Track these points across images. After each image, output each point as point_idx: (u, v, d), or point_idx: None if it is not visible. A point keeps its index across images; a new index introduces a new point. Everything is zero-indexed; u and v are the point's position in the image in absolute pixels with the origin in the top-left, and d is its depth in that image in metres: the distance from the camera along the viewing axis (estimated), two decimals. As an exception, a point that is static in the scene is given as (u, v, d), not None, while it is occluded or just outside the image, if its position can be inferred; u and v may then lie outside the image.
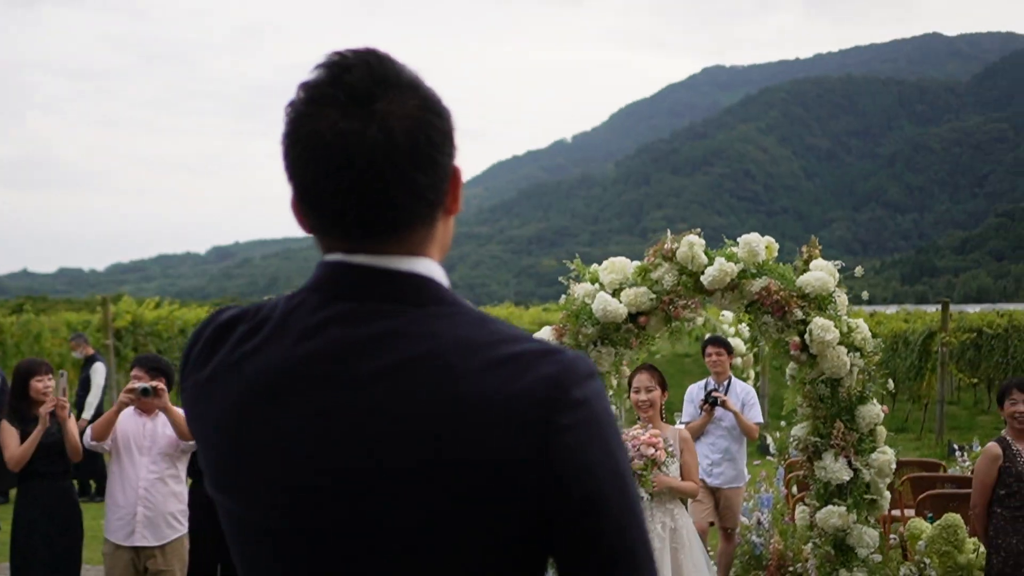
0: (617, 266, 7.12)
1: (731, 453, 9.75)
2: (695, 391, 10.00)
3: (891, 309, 39.43)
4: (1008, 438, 7.34)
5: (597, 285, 7.21)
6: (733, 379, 10.10)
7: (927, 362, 22.24)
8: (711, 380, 10.02)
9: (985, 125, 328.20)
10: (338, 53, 1.64)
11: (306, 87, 1.63)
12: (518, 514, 1.55)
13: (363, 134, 1.57)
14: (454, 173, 1.70)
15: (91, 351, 16.20)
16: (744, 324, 16.87)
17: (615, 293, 7.05)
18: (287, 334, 1.65)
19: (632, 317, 7.01)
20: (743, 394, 9.95)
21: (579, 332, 7.05)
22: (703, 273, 6.88)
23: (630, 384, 7.29)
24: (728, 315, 15.65)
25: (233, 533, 1.72)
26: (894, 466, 7.02)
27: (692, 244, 6.91)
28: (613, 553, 1.58)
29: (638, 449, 6.77)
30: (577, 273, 7.48)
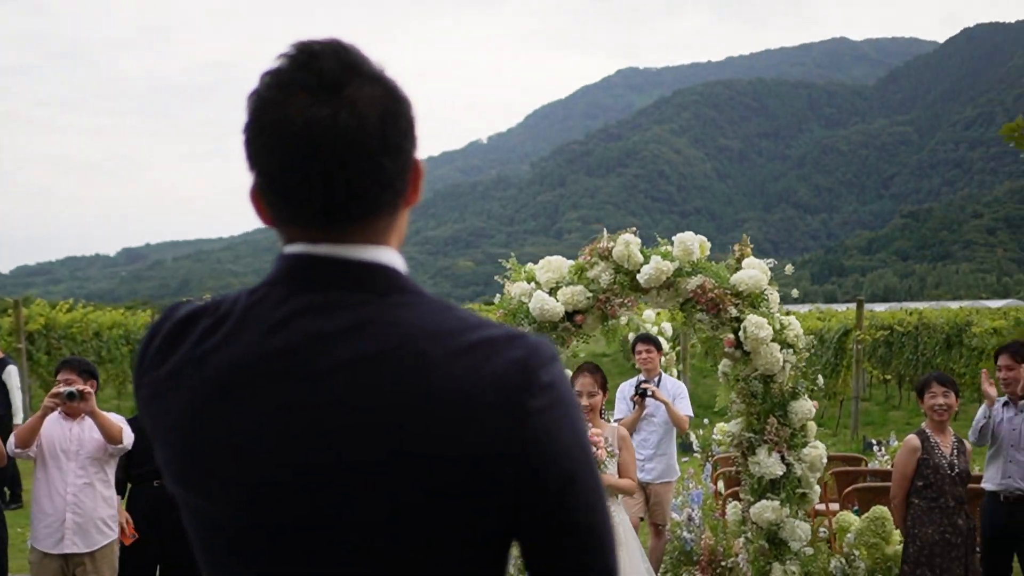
0: (554, 265, 7.16)
1: (662, 448, 9.85)
2: (627, 388, 10.07)
3: (804, 308, 40.05)
4: (927, 431, 7.51)
5: (533, 284, 7.24)
6: (663, 375, 10.21)
7: (842, 359, 22.60)
8: (641, 377, 10.11)
9: (890, 128, 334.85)
10: (303, 42, 1.63)
11: (273, 75, 1.62)
12: (493, 501, 1.56)
13: (334, 119, 1.57)
14: (415, 164, 1.70)
15: (0, 354, 15.84)
16: (667, 323, 17.05)
17: (552, 292, 7.08)
18: (251, 328, 1.63)
19: (569, 316, 7.05)
20: (673, 388, 10.05)
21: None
22: (639, 272, 6.94)
23: (572, 385, 7.30)
24: (650, 314, 15.76)
25: (196, 528, 1.70)
26: (825, 460, 7.15)
27: (628, 243, 6.97)
28: (583, 530, 1.61)
29: None
30: (512, 272, 7.50)
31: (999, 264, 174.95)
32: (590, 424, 7.12)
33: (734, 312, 6.88)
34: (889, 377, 26.84)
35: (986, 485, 7.97)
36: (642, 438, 9.77)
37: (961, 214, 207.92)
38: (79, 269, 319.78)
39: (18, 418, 13.99)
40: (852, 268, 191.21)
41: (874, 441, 15.73)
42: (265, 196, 1.66)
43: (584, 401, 7.10)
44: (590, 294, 7.02)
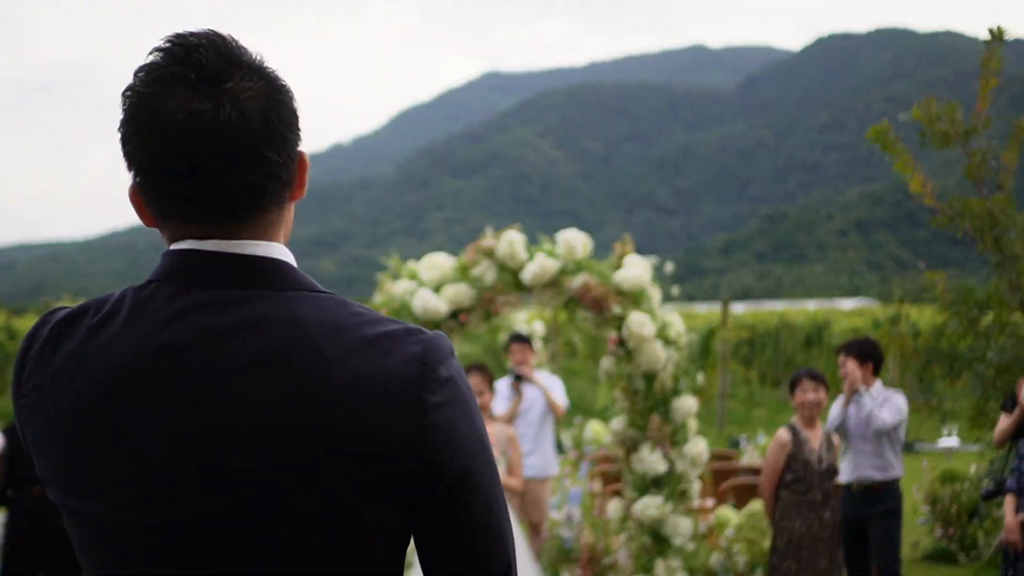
0: (437, 263, 7.13)
1: (539, 443, 9.89)
2: (504, 386, 10.08)
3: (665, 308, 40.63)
4: (797, 426, 7.68)
5: (416, 282, 7.19)
6: (537, 372, 10.27)
7: (707, 358, 23.00)
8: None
9: (748, 132, 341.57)
10: (179, 35, 1.60)
11: (149, 69, 1.58)
12: (392, 497, 1.55)
13: (216, 113, 1.53)
14: (300, 156, 1.68)
15: None
16: (539, 321, 17.10)
17: (435, 290, 7.04)
18: (140, 326, 1.58)
19: (452, 314, 7.02)
20: (548, 381, 10.12)
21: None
22: (523, 270, 6.94)
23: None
24: (522, 314, 15.81)
25: (81, 533, 1.63)
26: (706, 457, 7.25)
27: (512, 241, 6.97)
28: (480, 526, 1.61)
29: None
30: (395, 270, 7.44)
31: (851, 265, 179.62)
32: None
33: (617, 310, 6.93)
34: (752, 375, 27.43)
35: (841, 478, 8.21)
36: (519, 433, 9.79)
37: (816, 216, 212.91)
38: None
39: None
40: (711, 269, 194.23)
41: (742, 437, 16.02)
42: (146, 194, 1.63)
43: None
44: (474, 292, 7.00)
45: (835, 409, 8.22)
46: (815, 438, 7.59)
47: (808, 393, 7.62)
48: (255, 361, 1.53)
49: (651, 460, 7.00)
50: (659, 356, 6.95)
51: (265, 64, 1.63)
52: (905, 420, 8.08)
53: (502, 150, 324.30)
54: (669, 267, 7.76)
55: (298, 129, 1.65)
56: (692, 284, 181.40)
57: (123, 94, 1.59)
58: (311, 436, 1.50)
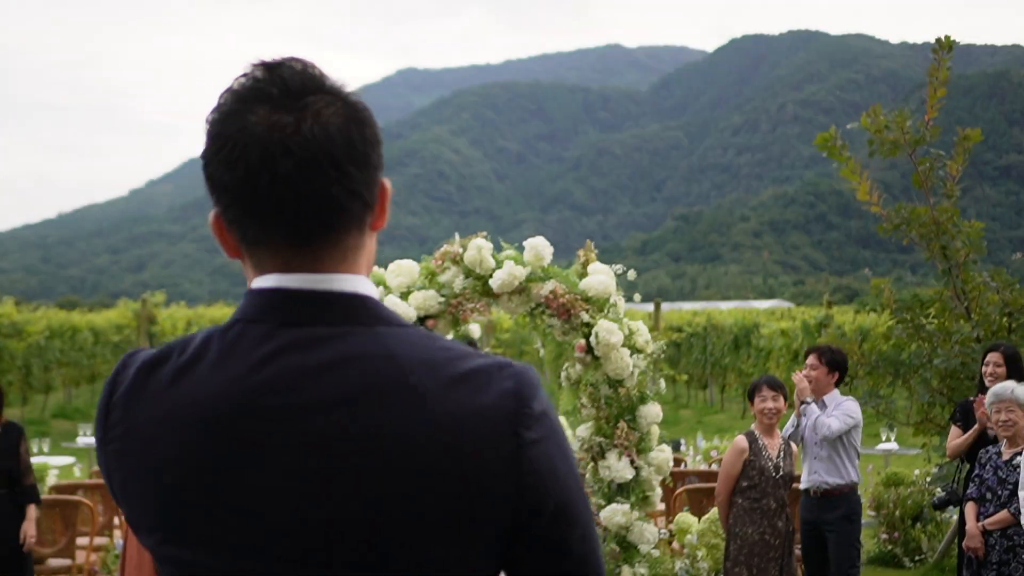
0: (404, 269, 7.07)
1: None
2: None
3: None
4: (756, 432, 7.74)
5: (382, 288, 7.13)
6: None
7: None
8: None
9: (663, 132, 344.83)
10: (261, 60, 1.61)
11: (232, 91, 1.60)
12: (491, 533, 1.55)
13: (298, 125, 1.54)
14: (382, 184, 1.69)
15: None
16: (474, 324, 17.07)
17: (403, 296, 6.99)
18: (232, 368, 1.57)
19: (420, 320, 6.97)
20: None
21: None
22: (491, 276, 6.91)
23: None
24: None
25: None
26: (671, 463, 7.28)
27: (480, 248, 6.94)
28: (579, 560, 1.61)
29: None
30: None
31: (764, 266, 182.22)
32: None
33: (585, 317, 6.93)
34: (676, 377, 27.63)
35: (800, 484, 8.30)
36: None
37: (730, 217, 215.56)
38: None
39: None
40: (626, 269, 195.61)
41: (681, 440, 16.13)
42: (228, 215, 1.61)
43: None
44: (442, 299, 6.96)
45: (793, 421, 8.32)
46: (773, 446, 7.65)
47: (767, 401, 7.67)
48: (350, 399, 1.53)
49: (618, 467, 7.01)
50: (626, 363, 6.97)
51: (347, 88, 1.64)
52: (859, 425, 8.16)
53: (418, 148, 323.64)
54: (632, 274, 7.76)
55: (380, 155, 1.66)
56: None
57: (206, 120, 1.61)
58: (407, 475, 1.50)
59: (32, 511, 7.46)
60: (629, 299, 7.68)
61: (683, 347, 27.58)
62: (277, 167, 1.53)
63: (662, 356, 7.38)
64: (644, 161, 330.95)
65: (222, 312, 31.85)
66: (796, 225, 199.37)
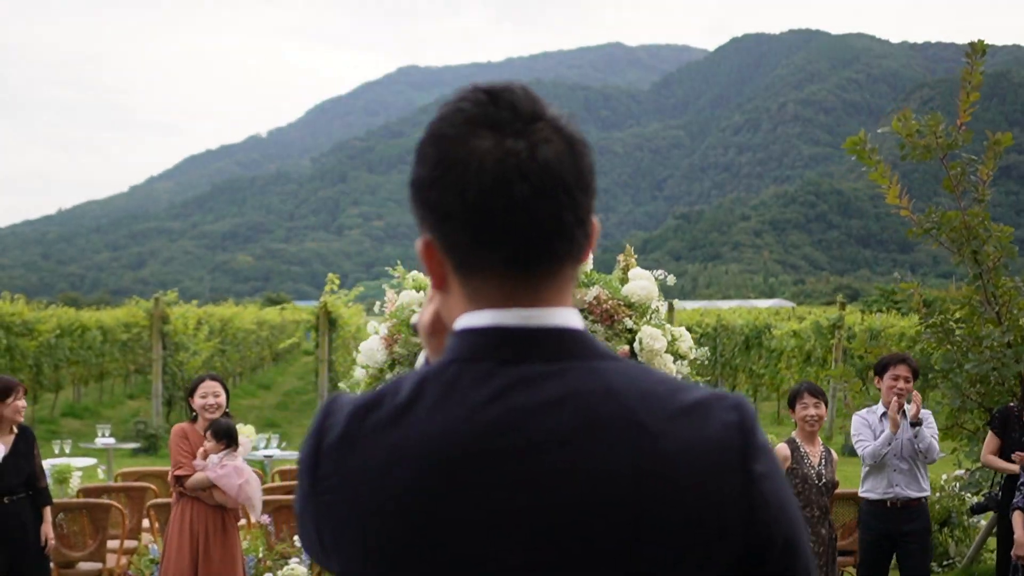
0: (447, 274, 7.03)
1: None
2: None
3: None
4: (797, 440, 7.65)
5: (423, 293, 7.09)
6: None
7: (650, 361, 23.11)
8: None
9: (663, 131, 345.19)
10: (481, 85, 1.59)
11: (456, 112, 1.56)
12: (721, 566, 1.53)
13: (532, 151, 1.51)
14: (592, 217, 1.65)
15: None
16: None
17: (445, 301, 6.96)
18: (453, 410, 1.54)
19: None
20: None
21: (409, 341, 6.91)
22: (533, 281, 6.87)
23: None
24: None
25: None
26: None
27: (523, 253, 6.90)
28: None
29: None
30: (400, 281, 7.35)
31: (765, 265, 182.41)
32: None
33: (629, 323, 6.89)
34: (690, 376, 27.64)
35: (868, 495, 8.14)
36: None
37: (730, 216, 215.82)
38: None
39: None
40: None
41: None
42: (448, 241, 1.56)
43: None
44: (485, 304, 6.92)
45: (888, 438, 7.99)
46: (814, 453, 7.56)
47: (809, 408, 7.57)
48: (574, 436, 1.50)
49: (660, 474, 6.99)
50: (670, 369, 6.92)
51: (563, 115, 1.59)
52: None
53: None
54: (672, 279, 7.72)
55: (595, 188, 1.60)
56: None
57: (423, 143, 1.58)
58: (635, 511, 1.48)
59: (48, 513, 7.47)
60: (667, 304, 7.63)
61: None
62: (513, 192, 1.50)
63: (706, 361, 7.35)
64: (645, 160, 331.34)
65: (231, 311, 31.83)
66: (796, 224, 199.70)
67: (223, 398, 7.53)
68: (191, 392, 7.56)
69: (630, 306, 6.99)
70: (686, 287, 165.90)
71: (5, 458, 7.14)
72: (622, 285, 7.13)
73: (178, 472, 7.22)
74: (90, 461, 12.26)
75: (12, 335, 21.06)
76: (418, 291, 7.14)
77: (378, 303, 7.54)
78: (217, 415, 7.43)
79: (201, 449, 7.28)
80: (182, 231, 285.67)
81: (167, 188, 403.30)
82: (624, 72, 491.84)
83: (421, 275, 7.30)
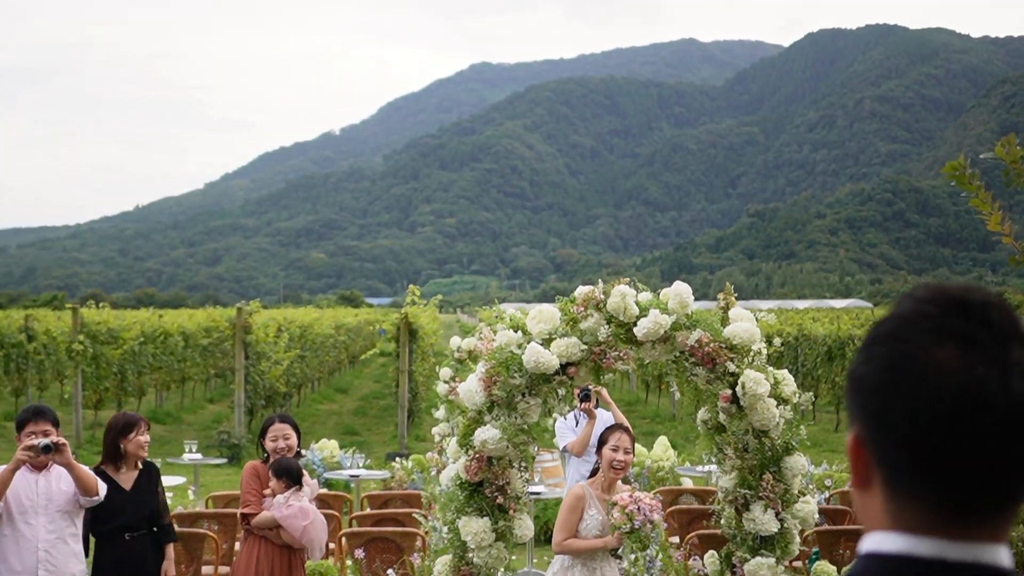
0: (546, 315, 6.92)
1: None
2: (562, 425, 9.83)
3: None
4: None
5: (521, 333, 7.00)
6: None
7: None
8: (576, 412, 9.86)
9: (737, 128, 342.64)
10: (948, 289, 1.44)
11: (918, 318, 1.41)
12: None
13: (1005, 383, 1.34)
14: None
15: None
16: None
17: (545, 343, 6.85)
18: None
19: (562, 367, 6.83)
20: (606, 416, 9.93)
21: (508, 383, 6.82)
22: (634, 324, 6.75)
23: (603, 442, 7.20)
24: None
25: None
26: (817, 517, 7.08)
27: (624, 295, 6.78)
28: None
29: (646, 513, 6.74)
30: (500, 321, 7.27)
31: (841, 264, 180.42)
32: (621, 486, 7.10)
33: (731, 367, 6.75)
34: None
35: None
36: (588, 462, 9.61)
37: (805, 214, 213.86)
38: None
39: None
40: (701, 266, 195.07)
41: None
42: (885, 454, 1.43)
43: (620, 456, 7.10)
44: (584, 346, 6.81)
45: None
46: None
47: None
48: None
49: (764, 520, 6.83)
50: (773, 414, 6.77)
51: None
52: None
53: (491, 143, 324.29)
54: (772, 319, 7.56)
55: None
56: (681, 281, 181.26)
57: (873, 338, 1.45)
58: None
59: (171, 551, 7.44)
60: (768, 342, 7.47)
61: (771, 357, 27.16)
62: (974, 426, 1.35)
63: (811, 407, 7.20)
64: (718, 157, 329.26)
65: (310, 317, 32.03)
66: (873, 223, 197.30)
67: (293, 440, 7.54)
68: (263, 433, 7.58)
69: (732, 348, 6.85)
70: (760, 286, 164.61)
71: (127, 495, 7.16)
72: (725, 327, 6.99)
73: (246, 510, 7.25)
74: (179, 480, 12.34)
75: (98, 343, 21.32)
76: (515, 331, 7.04)
77: (457, 339, 7.47)
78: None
79: (268, 489, 7.30)
80: (256, 228, 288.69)
81: (242, 185, 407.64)
82: (698, 68, 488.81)
83: (519, 314, 7.22)
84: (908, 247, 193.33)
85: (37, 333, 23.97)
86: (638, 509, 6.77)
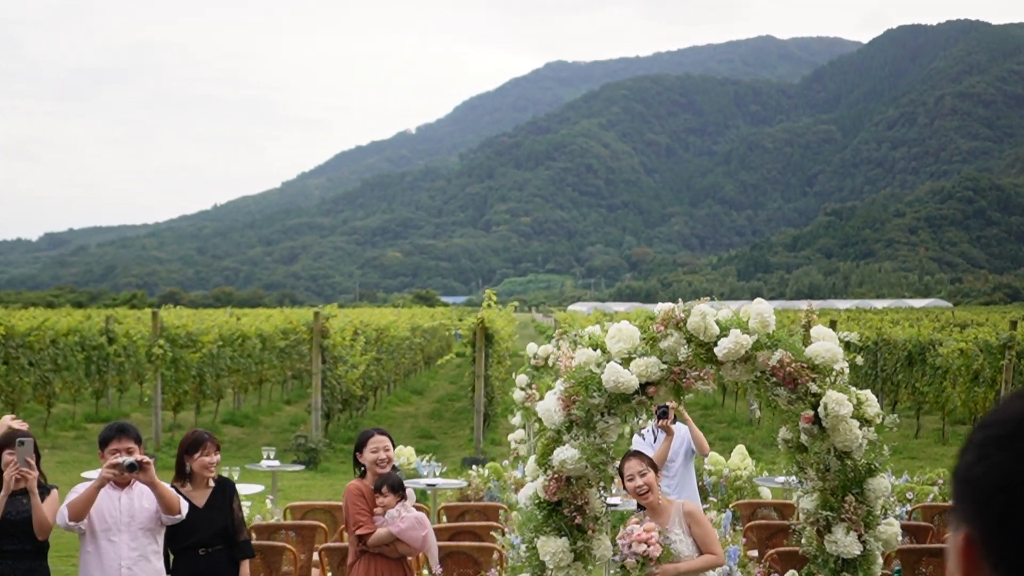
0: (625, 334, 6.87)
1: (684, 485, 9.75)
2: (639, 442, 9.80)
3: (732, 305, 40.20)
4: None
5: (599, 352, 6.95)
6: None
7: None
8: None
9: (814, 126, 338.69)
10: None
11: None
12: None
13: None
14: None
15: None
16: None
17: (624, 362, 6.80)
18: None
19: (642, 387, 6.78)
20: (683, 431, 9.90)
21: (587, 402, 6.78)
22: (714, 343, 6.68)
23: (621, 474, 7.12)
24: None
25: None
26: (900, 539, 6.97)
27: (704, 315, 6.71)
28: None
29: (630, 547, 6.68)
30: (577, 338, 7.24)
31: (921, 263, 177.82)
32: (647, 517, 6.99)
33: (813, 388, 6.65)
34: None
35: None
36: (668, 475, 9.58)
37: (883, 213, 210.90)
38: (0, 254, 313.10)
39: None
40: (777, 265, 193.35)
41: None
42: (1005, 559, 1.42)
43: (637, 482, 7.01)
44: (664, 366, 6.75)
45: None
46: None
47: None
48: None
49: (846, 543, 6.72)
50: (856, 435, 6.67)
51: None
52: None
53: (566, 142, 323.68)
54: (855, 336, 7.43)
55: None
56: (758, 280, 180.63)
57: (987, 442, 1.45)
58: None
59: (246, 567, 7.47)
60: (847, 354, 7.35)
61: (851, 362, 26.80)
62: None
63: (895, 428, 7.06)
64: (795, 155, 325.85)
65: (386, 319, 32.18)
66: (954, 221, 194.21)
67: (392, 452, 7.52)
68: (360, 447, 7.53)
69: (813, 368, 6.75)
70: (837, 285, 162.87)
71: (200, 512, 7.19)
72: (807, 347, 6.89)
73: (361, 531, 7.20)
74: (258, 488, 12.43)
75: (177, 347, 21.60)
76: (594, 349, 7.00)
77: (536, 347, 7.44)
78: (387, 469, 7.42)
79: (379, 507, 7.27)
80: (333, 227, 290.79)
81: (318, 184, 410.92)
82: (774, 66, 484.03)
83: (598, 332, 7.17)
84: (989, 246, 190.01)
85: (118, 335, 24.36)
86: (628, 545, 6.78)
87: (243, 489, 11.63)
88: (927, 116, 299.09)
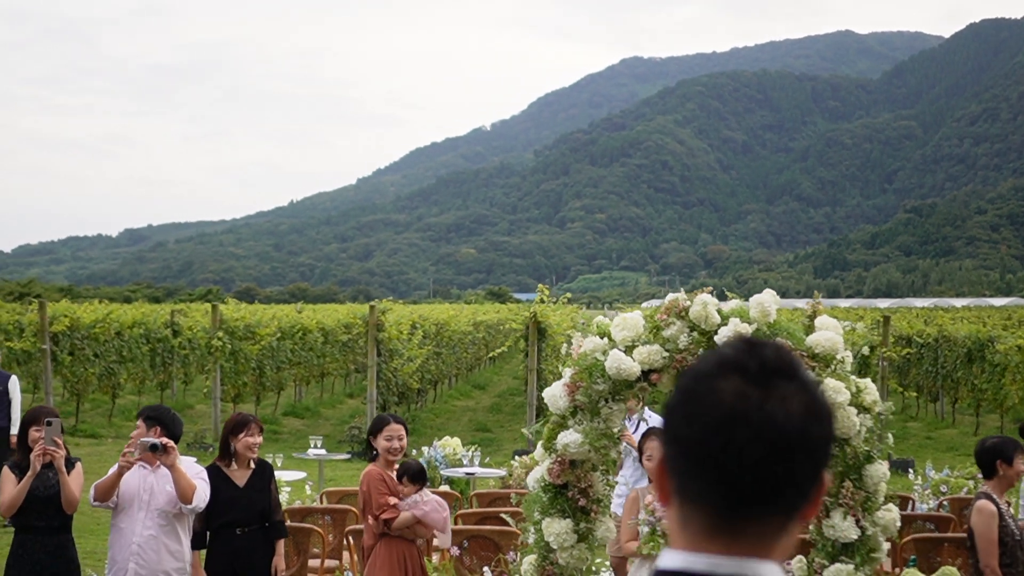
0: (630, 323, 7.07)
1: None
2: (657, 420, 9.92)
3: (803, 303, 39.97)
4: (992, 493, 7.38)
5: (606, 340, 7.16)
6: (646, 409, 10.11)
7: (866, 374, 22.49)
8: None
9: (894, 122, 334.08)
10: (749, 337, 1.70)
11: (715, 354, 1.69)
12: None
13: (761, 404, 1.59)
14: (823, 479, 1.68)
15: None
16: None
17: (627, 350, 7.00)
18: None
19: (644, 374, 6.97)
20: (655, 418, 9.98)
21: (591, 388, 6.99)
22: (716, 332, 6.85)
23: (640, 451, 7.31)
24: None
25: None
26: (899, 524, 7.08)
27: (706, 303, 6.88)
28: None
29: (662, 511, 6.86)
30: (586, 327, 7.44)
31: (1003, 261, 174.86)
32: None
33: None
34: (903, 390, 26.62)
35: None
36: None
37: (964, 210, 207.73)
38: (81, 250, 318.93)
39: (14, 429, 12.65)
40: (855, 262, 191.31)
41: (910, 462, 15.59)
42: (673, 464, 1.67)
43: (655, 464, 7.11)
44: (666, 354, 6.93)
45: None
46: (1009, 508, 7.33)
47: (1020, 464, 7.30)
48: None
49: (843, 527, 6.85)
50: (853, 422, 6.79)
51: (815, 383, 1.68)
52: None
53: (642, 139, 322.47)
54: (861, 328, 7.56)
55: (829, 453, 1.67)
56: (835, 278, 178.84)
57: (684, 371, 1.74)
58: None
59: (281, 546, 7.77)
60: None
61: (912, 358, 26.63)
62: (733, 434, 1.58)
63: (891, 417, 7.18)
64: (875, 151, 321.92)
65: (448, 313, 32.46)
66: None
67: (406, 440, 7.75)
68: (375, 432, 7.74)
69: (814, 357, 6.89)
70: (916, 283, 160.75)
71: (240, 491, 7.51)
72: (807, 332, 7.03)
73: (386, 515, 7.40)
74: (299, 475, 12.76)
75: (236, 339, 22.06)
76: (602, 337, 7.21)
77: (575, 335, 7.64)
78: (399, 457, 7.67)
79: (401, 493, 7.50)
80: (407, 223, 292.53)
81: (393, 180, 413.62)
82: (854, 61, 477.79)
83: (606, 320, 7.37)
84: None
85: (182, 328, 24.93)
86: (657, 508, 6.91)
87: (286, 476, 12.00)
88: (1010, 111, 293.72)
